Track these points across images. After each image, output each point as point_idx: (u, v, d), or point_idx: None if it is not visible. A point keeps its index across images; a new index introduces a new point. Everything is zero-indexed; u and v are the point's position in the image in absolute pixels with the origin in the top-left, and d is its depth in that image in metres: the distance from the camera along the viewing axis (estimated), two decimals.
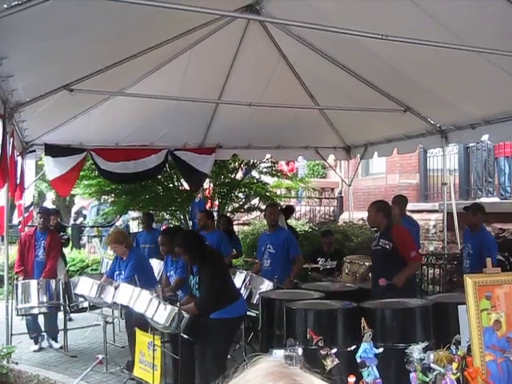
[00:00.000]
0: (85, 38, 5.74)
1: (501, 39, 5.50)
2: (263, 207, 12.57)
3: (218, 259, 6.26)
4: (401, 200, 8.58)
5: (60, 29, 5.32)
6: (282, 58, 8.14)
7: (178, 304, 5.74)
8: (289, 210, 10.95)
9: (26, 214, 10.18)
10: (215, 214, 12.85)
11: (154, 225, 11.56)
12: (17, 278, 8.37)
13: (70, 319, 9.88)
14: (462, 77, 7.00)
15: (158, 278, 7.95)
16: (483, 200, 10.85)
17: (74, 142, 9.80)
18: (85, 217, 18.37)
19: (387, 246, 6.31)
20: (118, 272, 7.34)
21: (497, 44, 5.33)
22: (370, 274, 6.91)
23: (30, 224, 10.65)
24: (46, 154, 9.69)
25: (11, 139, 7.05)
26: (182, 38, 6.88)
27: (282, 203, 14.38)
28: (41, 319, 8.71)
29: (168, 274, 7.10)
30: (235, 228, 14.63)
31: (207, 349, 5.86)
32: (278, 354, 3.84)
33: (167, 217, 14.46)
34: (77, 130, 9.09)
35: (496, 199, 11.21)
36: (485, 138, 8.89)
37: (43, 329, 8.71)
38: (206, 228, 8.69)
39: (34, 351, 8.43)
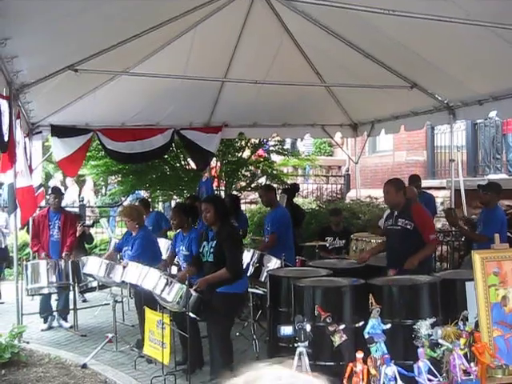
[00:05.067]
0: (89, 18, 5.69)
1: (510, 14, 5.42)
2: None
3: (237, 231, 6.32)
4: (415, 179, 8.99)
5: (64, 9, 5.28)
6: (288, 35, 8.07)
7: (186, 282, 5.76)
8: (292, 189, 10.74)
9: (36, 195, 10.21)
10: (222, 192, 12.87)
11: (160, 205, 11.53)
12: (23, 259, 8.44)
13: (85, 300, 9.99)
14: (469, 52, 6.92)
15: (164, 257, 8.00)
16: (491, 177, 10.81)
17: (80, 122, 9.79)
18: None
19: (408, 227, 6.21)
20: (126, 248, 7.39)
21: (505, 18, 5.26)
22: (386, 254, 6.72)
23: (40, 205, 10.68)
24: (52, 135, 9.69)
25: (18, 120, 7.05)
26: (187, 16, 6.82)
27: (288, 181, 14.35)
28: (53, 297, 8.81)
29: (177, 249, 7.11)
30: (242, 207, 14.64)
31: (212, 325, 5.92)
32: (287, 330, 3.87)
33: (174, 196, 14.49)
34: (83, 111, 9.08)
35: (504, 176, 11.15)
36: (492, 114, 8.83)
37: (54, 308, 8.79)
38: None
39: (43, 330, 8.52)
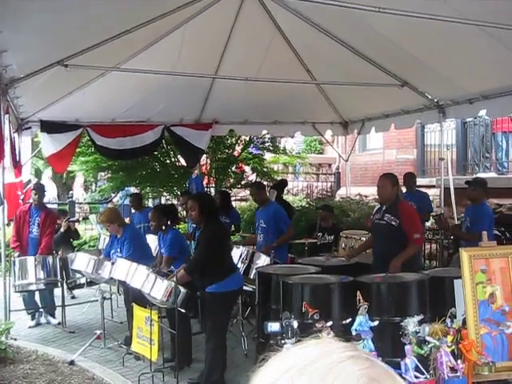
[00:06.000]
0: (79, 13, 5.66)
1: (500, 13, 5.44)
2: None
3: (221, 229, 6.24)
4: (410, 177, 9.29)
5: (54, 3, 5.25)
6: (279, 33, 8.06)
7: (174, 279, 5.76)
8: (281, 185, 10.70)
9: (24, 191, 10.15)
10: (212, 189, 12.87)
11: (150, 202, 11.48)
12: (11, 255, 8.39)
13: (74, 297, 9.94)
14: (460, 51, 6.94)
15: (154, 254, 7.96)
16: (480, 175, 10.84)
17: (70, 118, 9.73)
18: None
19: (393, 223, 6.16)
20: (113, 251, 7.34)
21: (496, 17, 5.28)
22: (372, 249, 6.73)
23: (29, 201, 10.64)
24: (41, 131, 9.64)
25: (6, 116, 7.01)
26: (177, 13, 6.77)
27: (278, 179, 14.36)
28: (37, 295, 8.75)
29: (161, 250, 7.10)
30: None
31: (206, 322, 5.89)
32: (274, 326, 3.87)
33: (164, 193, 14.47)
34: (72, 106, 9.02)
35: (493, 174, 11.20)
36: (482, 113, 8.86)
37: (40, 305, 8.74)
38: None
39: (30, 327, 8.46)
